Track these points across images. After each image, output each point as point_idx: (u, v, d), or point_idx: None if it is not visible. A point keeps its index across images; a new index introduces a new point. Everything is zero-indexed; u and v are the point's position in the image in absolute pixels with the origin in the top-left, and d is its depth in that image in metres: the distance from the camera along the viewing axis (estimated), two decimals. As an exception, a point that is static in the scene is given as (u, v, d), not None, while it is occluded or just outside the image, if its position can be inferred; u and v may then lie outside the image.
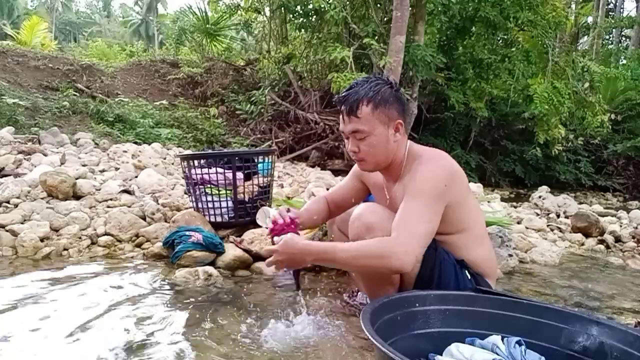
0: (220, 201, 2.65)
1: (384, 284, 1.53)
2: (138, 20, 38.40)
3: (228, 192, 2.66)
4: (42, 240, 2.50)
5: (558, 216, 4.70)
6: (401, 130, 1.54)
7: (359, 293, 1.97)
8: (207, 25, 10.58)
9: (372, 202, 1.62)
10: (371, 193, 1.84)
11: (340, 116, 1.56)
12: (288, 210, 1.66)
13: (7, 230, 2.53)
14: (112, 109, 7.59)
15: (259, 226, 2.58)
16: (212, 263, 2.36)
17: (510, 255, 2.70)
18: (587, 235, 3.81)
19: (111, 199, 3.19)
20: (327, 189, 4.24)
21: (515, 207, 5.08)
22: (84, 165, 4.22)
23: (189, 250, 2.32)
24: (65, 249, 2.51)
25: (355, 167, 1.81)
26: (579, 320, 1.24)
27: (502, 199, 5.78)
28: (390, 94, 1.51)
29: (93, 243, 2.63)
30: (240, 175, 2.67)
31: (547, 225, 4.06)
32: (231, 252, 2.41)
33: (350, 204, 1.84)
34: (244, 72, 10.26)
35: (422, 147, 1.60)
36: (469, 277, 1.53)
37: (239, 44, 14.42)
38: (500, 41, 9.36)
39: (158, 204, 3.06)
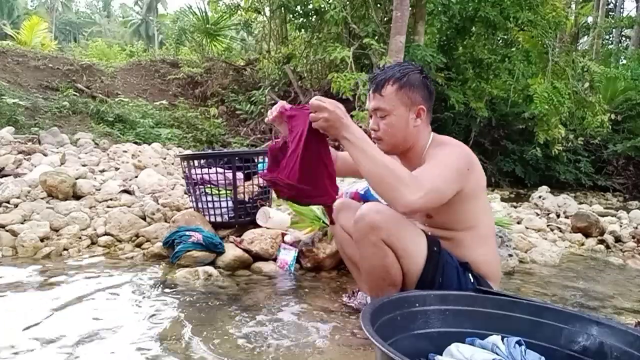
0: (220, 201, 2.65)
1: (386, 284, 1.53)
2: (138, 20, 38.40)
3: (228, 192, 2.66)
4: (42, 240, 2.50)
5: (558, 216, 4.70)
6: (423, 116, 1.55)
7: (359, 293, 1.97)
8: (207, 25, 10.59)
9: (376, 202, 1.62)
10: None
11: (368, 94, 1.59)
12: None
13: (7, 230, 2.53)
14: (112, 109, 7.59)
15: (259, 226, 2.60)
16: (212, 263, 2.36)
17: (510, 255, 2.70)
18: (587, 235, 3.82)
19: (111, 199, 3.19)
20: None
21: (515, 207, 5.08)
22: (84, 165, 4.22)
23: (189, 250, 2.32)
24: (65, 249, 2.51)
25: None
26: (579, 320, 1.24)
27: (502, 199, 5.78)
28: (417, 79, 1.53)
29: (93, 243, 2.64)
30: (240, 175, 2.67)
31: (547, 225, 4.06)
32: (231, 252, 2.41)
33: (355, 174, 1.84)
34: (244, 72, 10.26)
35: (447, 138, 1.61)
36: (472, 279, 1.53)
37: (239, 44, 14.43)
38: (500, 41, 9.37)
39: (158, 204, 3.06)
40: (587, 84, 9.21)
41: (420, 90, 1.54)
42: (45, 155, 4.48)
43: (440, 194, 1.38)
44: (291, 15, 8.66)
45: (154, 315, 1.73)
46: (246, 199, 2.68)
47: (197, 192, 2.69)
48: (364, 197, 2.27)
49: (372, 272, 1.54)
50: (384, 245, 1.44)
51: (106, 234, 2.69)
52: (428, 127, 1.59)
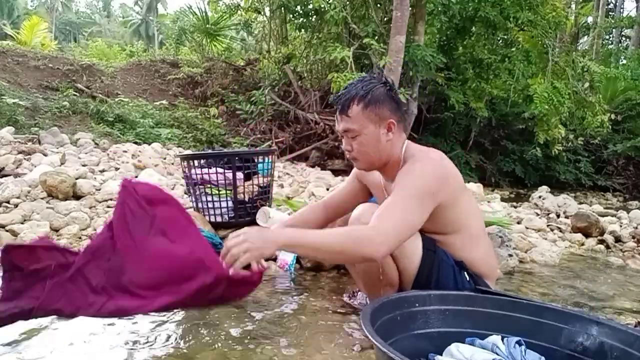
0: (220, 201, 2.65)
1: (382, 284, 1.54)
2: (138, 20, 38.41)
3: (228, 192, 2.65)
4: (42, 240, 2.50)
5: (558, 216, 4.70)
6: (394, 129, 1.52)
7: (359, 293, 1.98)
8: (207, 25, 10.59)
9: (372, 203, 1.62)
10: (369, 197, 1.84)
11: (335, 115, 1.57)
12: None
13: (7, 230, 2.53)
14: (112, 109, 7.59)
15: (259, 226, 2.60)
16: (212, 263, 2.36)
17: (510, 255, 2.70)
18: (587, 235, 3.81)
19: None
20: (327, 189, 4.25)
21: (515, 207, 5.08)
22: (84, 165, 4.22)
23: (189, 250, 2.32)
24: (65, 249, 2.51)
25: (355, 169, 1.82)
26: (579, 320, 1.24)
27: (502, 199, 5.78)
28: (382, 93, 1.50)
29: (93, 243, 2.63)
30: (240, 175, 2.66)
31: (547, 225, 4.06)
32: (231, 252, 2.40)
33: (351, 207, 1.81)
34: (244, 72, 10.26)
35: (418, 147, 1.59)
36: (468, 278, 1.53)
37: (239, 44, 14.43)
38: (500, 41, 9.36)
39: (158, 204, 3.06)
40: (587, 84, 9.20)
41: (387, 104, 1.51)
42: (45, 155, 4.48)
43: (408, 228, 1.38)
44: (291, 15, 8.66)
45: (153, 315, 1.73)
46: (246, 199, 2.68)
47: (197, 192, 2.69)
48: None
49: (368, 273, 1.55)
50: None
51: (106, 234, 2.68)
52: (401, 137, 1.57)
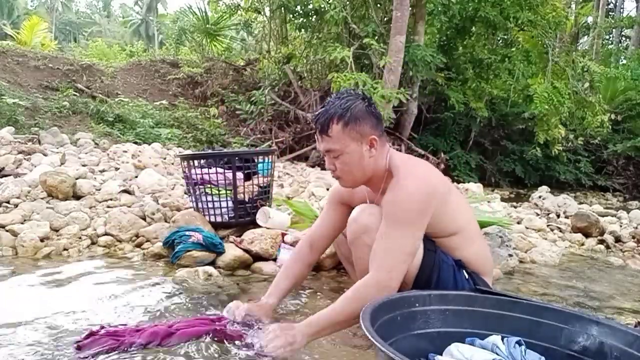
0: (220, 201, 2.65)
1: None
2: (138, 20, 38.39)
3: (228, 192, 2.66)
4: (42, 240, 2.50)
5: (558, 216, 4.70)
6: (376, 145, 1.49)
7: (359, 293, 1.97)
8: (207, 25, 10.60)
9: (372, 204, 1.61)
10: None
11: (315, 136, 1.55)
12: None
13: (7, 230, 2.53)
14: (112, 109, 7.59)
15: (259, 226, 2.60)
16: (212, 263, 2.36)
17: (510, 255, 2.70)
18: (587, 235, 3.81)
19: (111, 199, 3.19)
20: (327, 189, 4.25)
21: (515, 207, 5.08)
22: (84, 165, 4.22)
23: (189, 250, 2.32)
24: (65, 249, 2.51)
25: (331, 193, 1.81)
26: (579, 320, 1.24)
27: (502, 199, 5.78)
28: (361, 110, 1.47)
29: (93, 243, 2.63)
30: (240, 175, 2.67)
31: (547, 225, 4.06)
32: (231, 252, 2.41)
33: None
34: (244, 72, 10.26)
35: (401, 159, 1.56)
36: (467, 276, 1.54)
37: (239, 44, 14.43)
38: (500, 41, 9.38)
39: (158, 204, 3.06)
40: (587, 84, 9.21)
41: (367, 120, 1.47)
42: (45, 155, 4.48)
43: (407, 260, 1.42)
44: (291, 15, 8.66)
45: (153, 315, 1.73)
46: (246, 199, 2.68)
47: (197, 192, 2.69)
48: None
49: (366, 274, 1.54)
50: None
51: (106, 234, 2.68)
52: (385, 149, 1.55)
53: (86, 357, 1.36)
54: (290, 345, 1.35)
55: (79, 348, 1.40)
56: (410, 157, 1.59)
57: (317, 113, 1.52)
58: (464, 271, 1.54)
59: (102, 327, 1.48)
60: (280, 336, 1.36)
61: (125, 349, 1.40)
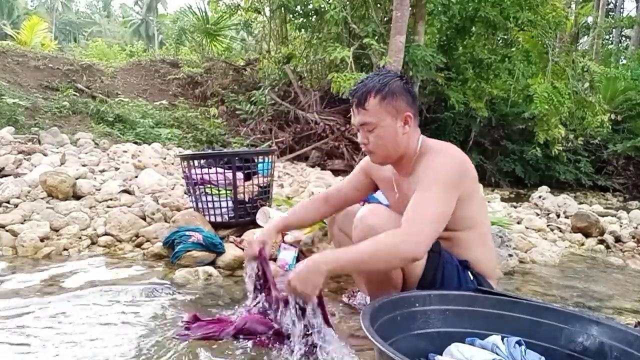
0: (220, 201, 2.65)
1: (386, 286, 1.53)
2: (138, 20, 38.39)
3: (228, 192, 2.66)
4: (42, 240, 2.50)
5: (558, 216, 4.70)
6: (410, 123, 1.52)
7: (358, 293, 1.98)
8: (207, 25, 10.59)
9: (376, 204, 1.61)
10: (373, 192, 1.84)
11: (351, 109, 1.57)
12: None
13: (7, 230, 2.53)
14: (112, 109, 7.59)
15: (259, 226, 2.60)
16: (212, 263, 2.36)
17: (510, 255, 2.70)
18: (587, 235, 3.81)
19: (111, 199, 3.19)
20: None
21: (515, 207, 5.08)
22: (84, 165, 4.22)
23: (189, 250, 2.32)
24: (65, 249, 2.51)
25: (363, 162, 1.81)
26: (579, 320, 1.24)
27: (502, 199, 5.78)
28: (398, 86, 1.50)
29: (93, 243, 2.63)
30: (240, 175, 2.67)
31: (547, 225, 4.06)
32: (231, 252, 2.41)
33: (353, 202, 1.84)
34: (244, 72, 10.26)
35: (434, 141, 1.59)
36: (471, 277, 1.53)
37: (239, 44, 14.42)
38: (500, 41, 9.37)
39: (158, 204, 3.06)
40: (587, 84, 9.21)
41: (404, 97, 1.51)
42: (45, 155, 4.48)
43: (440, 221, 1.40)
44: (291, 15, 8.66)
45: (153, 315, 1.73)
46: (246, 199, 2.68)
47: (197, 192, 2.69)
48: (364, 199, 2.27)
49: (372, 276, 1.54)
50: None
51: (106, 234, 2.68)
52: (417, 131, 1.57)
53: (184, 336, 1.50)
54: (311, 287, 1.31)
55: (187, 329, 1.52)
56: (447, 143, 1.59)
57: (355, 87, 1.55)
58: (469, 272, 1.54)
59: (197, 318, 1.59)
60: (296, 285, 1.33)
61: (222, 336, 1.50)
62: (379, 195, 2.24)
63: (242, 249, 2.44)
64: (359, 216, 1.55)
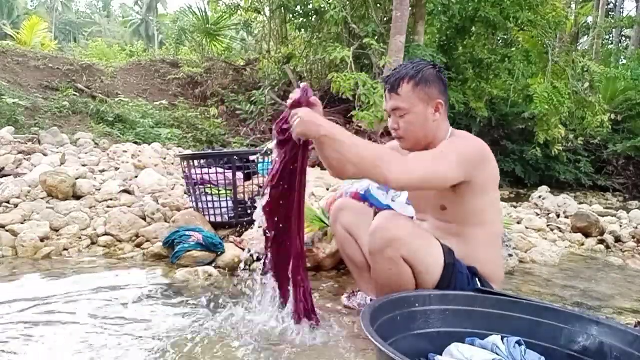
0: (220, 201, 2.65)
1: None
2: (138, 20, 38.38)
3: (228, 192, 2.66)
4: (42, 240, 2.50)
5: (558, 216, 4.70)
6: (441, 111, 1.55)
7: (359, 293, 1.97)
8: (207, 25, 10.59)
9: (395, 212, 1.55)
10: None
11: (384, 95, 1.60)
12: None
13: (7, 230, 2.53)
14: (112, 109, 7.59)
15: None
16: (212, 263, 2.36)
17: (510, 255, 2.70)
18: (587, 235, 3.81)
19: (111, 199, 3.19)
20: (327, 189, 4.24)
21: (515, 207, 5.08)
22: (84, 165, 4.22)
23: (189, 250, 2.32)
24: (65, 249, 2.51)
25: (393, 144, 1.81)
26: (579, 320, 1.24)
27: (502, 199, 5.78)
28: (432, 74, 1.54)
29: (93, 243, 2.63)
30: (240, 175, 2.67)
31: (547, 225, 4.06)
32: (231, 252, 2.41)
33: None
34: (244, 72, 10.25)
35: (465, 132, 1.62)
36: (479, 284, 1.53)
37: (239, 44, 14.42)
38: (500, 41, 9.37)
39: (158, 204, 3.06)
40: (587, 84, 9.20)
41: (436, 85, 1.54)
42: (45, 155, 4.48)
43: (432, 177, 1.40)
44: (291, 15, 8.66)
45: (153, 315, 1.73)
46: (246, 199, 2.68)
47: (197, 192, 2.69)
48: (364, 198, 2.27)
49: (386, 287, 1.52)
50: (402, 261, 1.41)
51: (106, 234, 2.68)
52: (446, 121, 1.60)
53: None
54: (303, 126, 1.39)
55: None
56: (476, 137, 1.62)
57: (389, 74, 1.59)
58: (477, 279, 1.54)
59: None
60: (301, 116, 1.40)
61: None
62: (378, 194, 2.24)
63: (242, 249, 2.44)
64: (381, 226, 1.45)
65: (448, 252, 1.49)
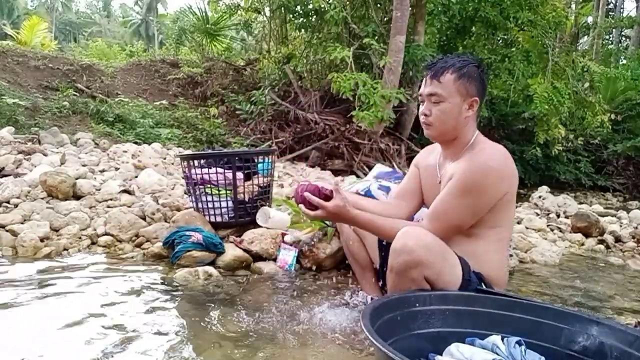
0: (220, 201, 2.65)
1: None
2: (138, 20, 38.39)
3: (228, 192, 2.66)
4: (42, 240, 2.50)
5: (558, 216, 4.70)
6: (474, 109, 1.57)
7: (360, 292, 1.98)
8: (207, 25, 10.59)
9: (418, 229, 1.48)
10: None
11: (423, 80, 1.62)
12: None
13: (7, 230, 2.53)
14: (112, 109, 7.58)
15: (259, 226, 2.60)
16: (212, 263, 2.36)
17: (510, 255, 2.70)
18: (587, 235, 3.81)
19: (111, 199, 3.19)
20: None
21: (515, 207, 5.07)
22: (84, 165, 4.22)
23: (189, 250, 2.32)
24: (65, 249, 2.51)
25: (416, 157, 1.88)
26: (579, 320, 1.24)
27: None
28: (475, 72, 1.56)
29: (93, 243, 2.63)
30: (240, 175, 2.67)
31: (547, 225, 4.05)
32: (231, 252, 2.41)
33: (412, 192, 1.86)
34: (244, 72, 10.25)
35: (487, 140, 1.62)
36: (484, 287, 1.53)
37: (239, 44, 14.42)
38: (500, 41, 9.36)
39: (158, 204, 3.06)
40: (587, 84, 9.20)
41: (477, 83, 1.56)
42: (45, 155, 4.48)
43: (455, 230, 1.50)
44: (291, 15, 8.66)
45: (153, 315, 1.73)
46: (246, 199, 2.68)
47: (197, 192, 2.69)
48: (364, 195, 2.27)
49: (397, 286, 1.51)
50: (424, 282, 1.39)
51: (106, 234, 2.68)
52: (475, 123, 1.61)
53: None
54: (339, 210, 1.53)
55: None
56: (498, 145, 1.60)
57: (433, 61, 1.61)
58: (483, 284, 1.53)
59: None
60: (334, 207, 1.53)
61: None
62: (378, 194, 2.24)
63: (242, 249, 2.44)
64: (408, 247, 1.39)
65: (465, 266, 1.48)
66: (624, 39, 19.22)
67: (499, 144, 1.60)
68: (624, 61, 13.06)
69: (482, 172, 1.47)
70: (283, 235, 2.53)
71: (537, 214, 4.65)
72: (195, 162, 2.72)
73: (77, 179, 3.33)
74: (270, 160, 2.79)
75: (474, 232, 1.55)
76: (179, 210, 2.96)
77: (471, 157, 1.51)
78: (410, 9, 6.76)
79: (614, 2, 18.73)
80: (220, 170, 2.63)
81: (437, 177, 1.66)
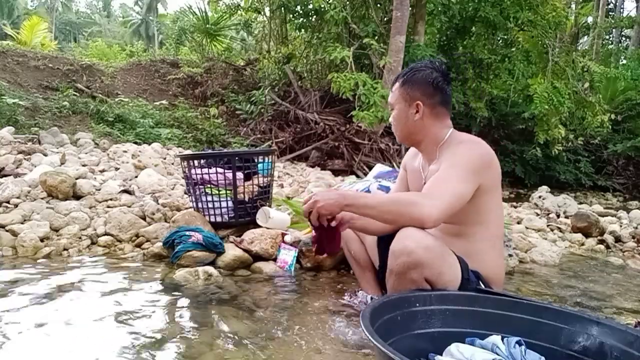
0: (220, 201, 2.65)
1: None
2: (138, 20, 38.37)
3: (228, 192, 2.66)
4: (42, 240, 2.50)
5: (558, 216, 4.70)
6: (421, 111, 1.60)
7: (359, 292, 1.98)
8: (207, 25, 10.59)
9: (417, 230, 1.42)
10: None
11: None
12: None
13: (7, 230, 2.53)
14: (112, 109, 7.59)
15: (259, 226, 2.60)
16: (212, 263, 2.36)
17: (510, 255, 2.70)
18: (587, 235, 3.81)
19: (111, 199, 3.19)
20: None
21: (515, 207, 5.08)
22: (84, 165, 4.22)
23: (189, 250, 2.32)
24: (65, 249, 2.51)
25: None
26: (579, 320, 1.24)
27: (502, 199, 5.76)
28: (421, 77, 1.60)
29: (93, 243, 2.63)
30: (240, 175, 2.67)
31: (547, 225, 4.06)
32: (231, 252, 2.41)
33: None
34: (244, 72, 10.26)
35: (465, 134, 1.65)
36: (482, 286, 1.53)
37: (239, 44, 14.43)
38: (500, 41, 9.36)
39: (158, 204, 3.06)
40: (587, 84, 9.20)
41: (422, 88, 1.60)
42: (45, 155, 4.48)
43: (458, 196, 1.44)
44: (291, 15, 8.66)
45: (153, 315, 1.73)
46: (246, 199, 2.68)
47: (197, 192, 2.69)
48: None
49: (408, 283, 1.50)
50: (424, 282, 1.38)
51: (106, 234, 2.68)
52: (440, 123, 1.63)
53: None
54: (326, 208, 1.45)
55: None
56: (477, 137, 1.63)
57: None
58: (481, 283, 1.54)
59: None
60: (318, 198, 1.45)
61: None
62: (375, 192, 2.24)
63: (242, 249, 2.44)
64: (408, 248, 1.37)
65: (464, 265, 1.48)
66: (624, 39, 19.21)
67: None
68: (624, 61, 13.06)
69: (466, 153, 1.51)
70: (283, 235, 2.53)
71: (537, 214, 4.65)
72: (195, 162, 2.72)
73: (77, 179, 3.33)
74: (270, 160, 2.79)
75: (462, 231, 1.56)
76: (179, 210, 2.96)
77: (451, 151, 1.55)
78: (410, 9, 6.77)
79: (614, 2, 18.73)
80: (220, 170, 2.63)
81: (422, 179, 1.68)
